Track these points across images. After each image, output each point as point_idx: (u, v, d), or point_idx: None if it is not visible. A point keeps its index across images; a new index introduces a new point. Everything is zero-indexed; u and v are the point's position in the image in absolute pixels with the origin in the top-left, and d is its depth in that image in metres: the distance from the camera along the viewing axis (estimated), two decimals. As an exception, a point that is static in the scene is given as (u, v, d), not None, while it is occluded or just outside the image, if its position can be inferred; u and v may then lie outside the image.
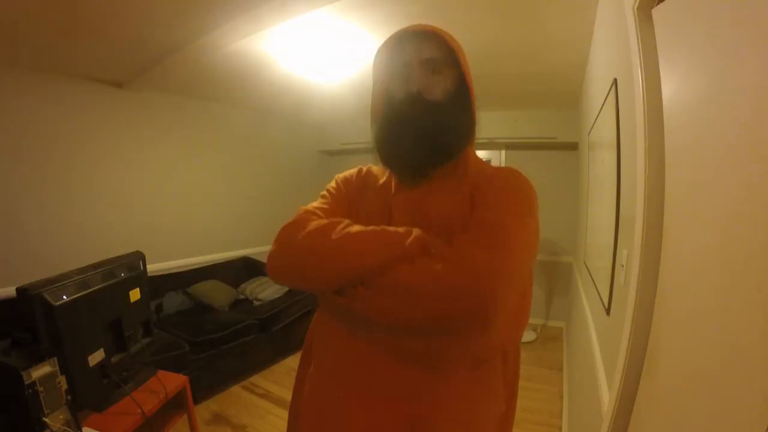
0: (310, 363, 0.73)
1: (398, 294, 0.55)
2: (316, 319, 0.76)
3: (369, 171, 0.80)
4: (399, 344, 0.61)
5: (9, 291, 1.71)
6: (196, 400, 2.27)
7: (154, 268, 2.79)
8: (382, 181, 0.75)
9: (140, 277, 1.40)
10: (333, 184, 0.79)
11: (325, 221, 0.64)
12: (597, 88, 1.71)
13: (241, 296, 3.20)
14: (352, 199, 0.75)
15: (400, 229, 0.60)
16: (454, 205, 0.65)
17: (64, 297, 1.09)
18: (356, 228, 0.61)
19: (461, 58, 0.66)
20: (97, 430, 1.12)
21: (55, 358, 1.03)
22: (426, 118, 0.64)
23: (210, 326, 2.55)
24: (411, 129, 0.64)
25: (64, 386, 1.05)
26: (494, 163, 3.84)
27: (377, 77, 0.72)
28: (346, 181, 0.79)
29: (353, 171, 0.81)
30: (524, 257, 0.58)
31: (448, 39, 0.65)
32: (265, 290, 3.19)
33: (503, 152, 3.83)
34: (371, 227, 0.61)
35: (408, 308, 0.54)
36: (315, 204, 0.73)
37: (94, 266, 1.27)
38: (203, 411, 2.31)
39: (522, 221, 0.59)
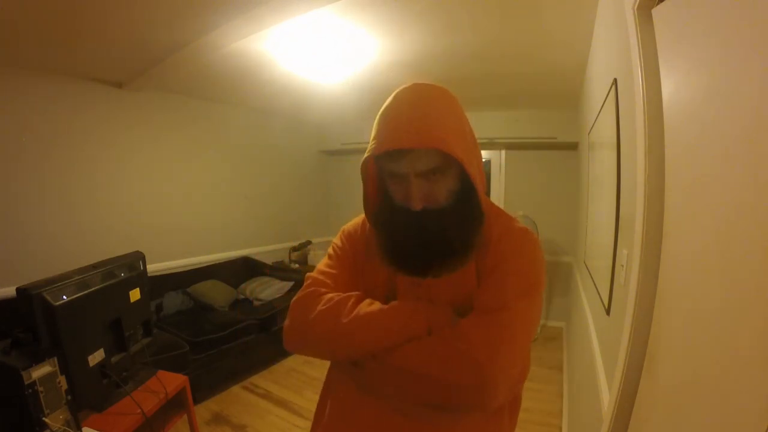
0: (327, 400, 0.75)
1: (402, 375, 0.59)
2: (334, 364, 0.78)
3: None
4: (408, 408, 0.64)
5: (9, 291, 1.71)
6: (196, 400, 2.27)
7: (154, 268, 2.79)
8: None
9: (140, 277, 1.40)
10: (338, 242, 0.77)
11: (334, 298, 0.66)
12: (597, 88, 1.71)
13: (241, 296, 3.20)
14: (358, 257, 0.75)
15: (408, 306, 0.63)
16: (459, 282, 0.65)
17: (64, 297, 1.09)
18: (365, 309, 0.63)
19: (458, 151, 0.57)
20: (97, 430, 1.12)
21: (55, 358, 1.03)
22: (432, 229, 0.62)
23: (210, 326, 2.55)
24: (418, 241, 0.63)
25: (64, 386, 1.05)
26: (494, 163, 3.85)
27: (375, 174, 0.69)
28: (351, 237, 0.77)
29: (358, 223, 0.79)
30: (527, 338, 0.62)
31: (438, 140, 0.56)
32: (265, 290, 3.19)
33: (503, 152, 3.82)
34: (378, 307, 0.64)
35: (410, 389, 0.60)
36: (322, 267, 0.74)
37: (94, 266, 1.27)
38: (203, 411, 2.31)
39: (527, 305, 0.61)
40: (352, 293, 0.67)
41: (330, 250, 0.78)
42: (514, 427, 0.74)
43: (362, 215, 0.77)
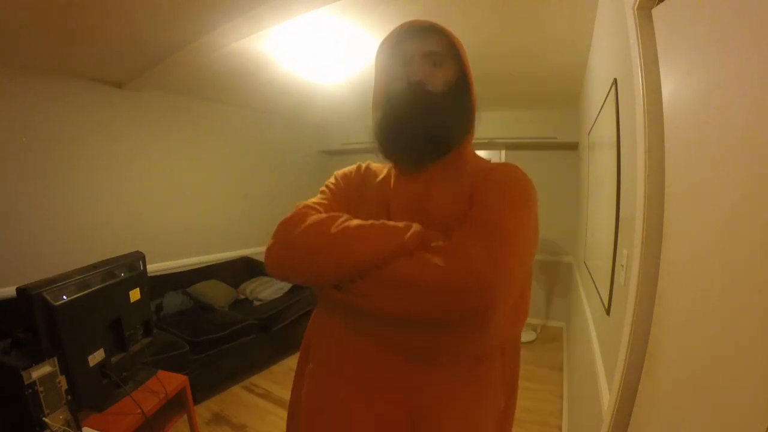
0: (308, 360, 0.73)
1: (396, 288, 0.55)
2: (315, 316, 0.76)
3: (368, 167, 0.81)
4: (398, 339, 0.61)
5: (9, 291, 1.71)
6: (196, 400, 2.27)
7: (154, 268, 2.79)
8: (381, 177, 0.75)
9: (140, 277, 1.40)
10: (332, 180, 0.79)
11: (323, 216, 0.64)
12: (597, 88, 1.71)
13: (241, 296, 3.20)
14: (351, 195, 0.75)
15: (399, 224, 0.60)
16: (452, 200, 0.65)
17: (64, 297, 1.09)
18: (355, 222, 0.62)
19: (463, 54, 0.67)
20: (97, 430, 1.12)
21: (55, 358, 1.03)
22: (426, 106, 0.64)
23: (210, 326, 2.55)
24: (411, 117, 0.65)
25: (64, 386, 1.05)
26: (494, 161, 3.84)
27: (379, 70, 0.73)
28: (345, 177, 0.79)
29: (352, 167, 0.81)
30: (523, 253, 0.58)
31: (450, 34, 0.66)
32: (265, 290, 3.19)
33: (503, 152, 3.82)
34: (370, 221, 0.62)
35: (406, 303, 0.55)
36: (314, 199, 0.73)
37: (94, 266, 1.27)
38: (203, 411, 2.31)
39: (520, 217, 0.60)
40: (343, 213, 0.66)
41: (322, 188, 0.78)
42: (515, 384, 0.72)
43: (357, 164, 0.82)
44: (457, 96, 0.67)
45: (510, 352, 0.70)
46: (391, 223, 0.61)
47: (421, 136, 0.65)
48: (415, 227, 0.59)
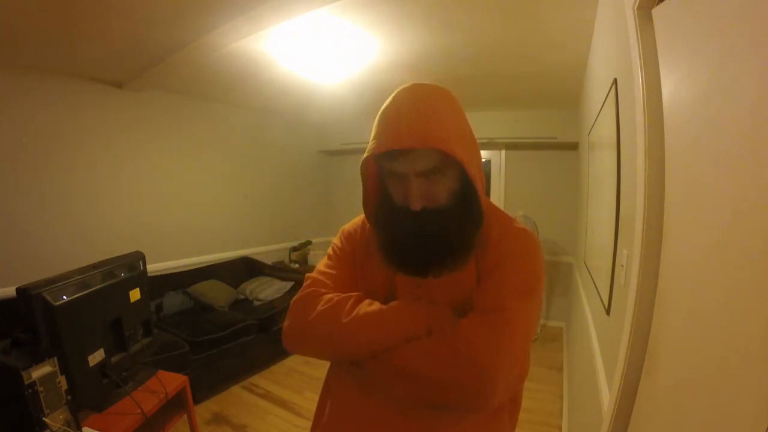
0: (327, 400, 0.74)
1: (402, 376, 0.59)
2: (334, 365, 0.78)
3: None
4: (407, 408, 0.64)
5: (9, 291, 1.71)
6: (196, 400, 2.27)
7: (154, 268, 2.79)
8: None
9: (140, 277, 1.40)
10: (338, 242, 0.78)
11: (334, 299, 0.66)
12: (597, 88, 1.71)
13: (241, 296, 3.20)
14: (357, 257, 0.75)
15: (408, 307, 0.63)
16: (458, 282, 0.65)
17: (64, 297, 1.09)
18: (364, 309, 0.64)
19: (458, 151, 0.57)
20: (97, 430, 1.12)
21: (55, 358, 1.03)
22: (432, 229, 0.61)
23: (210, 326, 2.55)
24: (417, 241, 0.63)
25: (64, 386, 1.05)
26: (494, 163, 3.85)
27: (371, 173, 0.70)
28: (350, 238, 0.77)
29: (358, 223, 0.79)
30: (526, 339, 0.61)
31: (442, 145, 0.56)
32: (265, 290, 3.19)
33: (503, 152, 3.82)
34: (378, 307, 0.64)
35: (410, 389, 0.60)
36: (322, 268, 0.74)
37: (94, 266, 1.27)
38: (203, 411, 2.31)
39: (528, 308, 0.61)
40: (352, 294, 0.67)
41: (329, 251, 0.78)
42: (515, 427, 0.74)
43: (362, 215, 0.77)
44: (463, 199, 0.63)
45: (517, 399, 0.73)
46: (398, 305, 0.64)
47: (428, 254, 0.63)
48: (422, 310, 0.62)
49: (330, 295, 0.67)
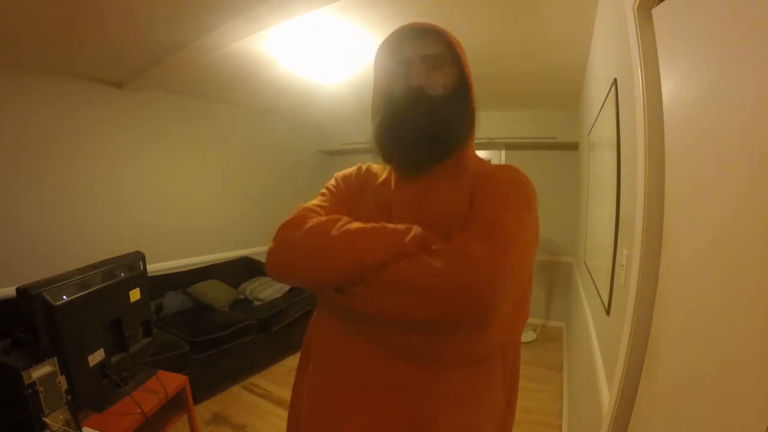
0: (309, 362, 0.73)
1: (397, 291, 0.55)
2: (316, 319, 0.76)
3: (369, 169, 0.80)
4: (398, 342, 0.61)
5: (9, 291, 1.71)
6: (196, 400, 2.27)
7: (154, 268, 2.79)
8: (381, 179, 0.75)
9: (140, 277, 1.40)
10: (332, 182, 0.79)
11: (324, 218, 0.65)
12: (597, 88, 1.71)
13: (241, 296, 3.20)
14: (351, 197, 0.75)
15: (400, 226, 0.60)
16: (453, 201, 0.65)
17: (64, 297, 1.09)
18: (356, 225, 0.61)
19: (462, 56, 0.66)
20: (97, 430, 1.12)
21: (55, 358, 1.03)
22: (426, 111, 0.64)
23: (210, 326, 2.55)
24: (411, 122, 0.64)
25: (64, 386, 1.05)
26: (494, 163, 3.84)
27: (378, 74, 0.73)
28: (346, 179, 0.79)
29: (353, 169, 0.81)
30: (523, 254, 0.58)
31: (449, 36, 0.66)
32: (265, 290, 3.19)
33: (503, 152, 3.83)
34: (371, 224, 0.62)
35: (407, 305, 0.55)
36: (314, 202, 0.73)
37: (94, 266, 1.27)
38: (203, 411, 2.31)
39: (521, 218, 0.60)
40: (343, 216, 0.66)
41: (322, 190, 0.78)
42: (513, 392, 0.72)
43: (357, 165, 0.81)
44: (458, 99, 0.67)
45: (510, 355, 0.70)
46: (391, 225, 0.61)
47: (422, 140, 0.64)
48: (416, 229, 0.59)
49: (320, 217, 0.66)
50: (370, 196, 0.73)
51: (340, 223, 0.62)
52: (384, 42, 0.70)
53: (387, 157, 0.70)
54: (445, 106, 0.65)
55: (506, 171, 0.68)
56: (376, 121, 0.70)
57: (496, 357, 0.66)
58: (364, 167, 0.81)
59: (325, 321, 0.72)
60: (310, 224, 0.63)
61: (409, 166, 0.68)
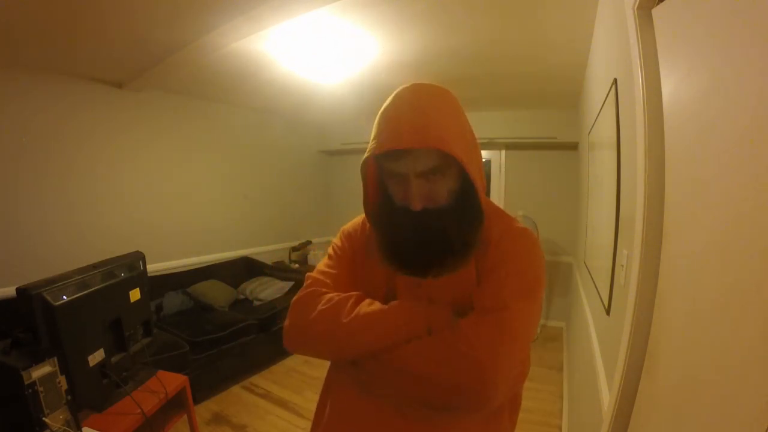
0: (327, 400, 0.74)
1: (401, 375, 0.59)
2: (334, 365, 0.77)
3: None
4: (408, 410, 0.63)
5: (9, 291, 1.71)
6: (196, 400, 2.27)
7: (154, 268, 2.79)
8: None
9: (140, 277, 1.40)
10: (338, 242, 0.78)
11: (334, 298, 0.66)
12: (597, 88, 1.71)
13: (241, 296, 3.20)
14: (357, 257, 0.75)
15: (408, 305, 0.64)
16: (459, 282, 0.65)
17: (64, 297, 1.09)
18: (364, 309, 0.63)
19: (458, 151, 0.57)
20: (97, 430, 1.12)
21: (55, 358, 1.03)
22: (432, 229, 0.62)
23: (210, 326, 2.55)
24: (418, 241, 0.63)
25: (64, 386, 1.05)
26: (494, 163, 3.85)
27: (371, 172, 0.70)
28: (350, 237, 0.77)
29: (358, 223, 0.79)
30: (527, 339, 0.62)
31: (442, 145, 0.56)
32: (265, 290, 3.19)
33: (503, 152, 3.82)
34: (378, 307, 0.64)
35: (409, 389, 0.59)
36: (322, 267, 0.74)
37: (94, 266, 1.27)
38: (203, 411, 2.31)
39: (529, 308, 0.61)
40: (352, 293, 0.67)
41: (330, 250, 0.78)
42: (515, 426, 0.74)
43: (362, 215, 0.77)
44: (464, 199, 0.63)
45: (517, 399, 0.73)
46: (399, 304, 0.64)
47: (429, 254, 0.63)
48: (422, 309, 0.62)
49: (330, 295, 0.67)
50: (375, 265, 0.70)
51: (349, 305, 0.64)
52: (380, 116, 0.62)
53: (392, 265, 0.66)
54: (453, 215, 0.62)
55: (516, 244, 0.65)
56: (381, 232, 0.68)
57: (504, 406, 0.69)
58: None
59: (342, 373, 0.73)
60: (320, 307, 0.65)
61: (416, 274, 0.66)
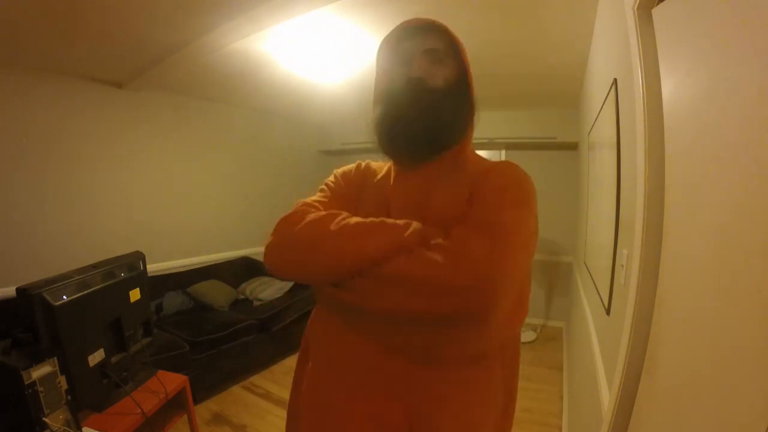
0: (308, 360, 0.73)
1: (395, 286, 0.55)
2: (315, 316, 0.76)
3: (368, 166, 0.81)
4: (397, 341, 0.61)
5: (9, 291, 1.71)
6: (196, 400, 2.27)
7: (154, 268, 2.79)
8: (380, 175, 0.76)
9: (140, 277, 1.40)
10: (332, 178, 0.79)
11: (323, 213, 0.65)
12: (597, 88, 1.71)
13: (241, 296, 3.20)
14: (350, 193, 0.75)
15: (399, 222, 0.61)
16: (452, 198, 0.65)
17: (64, 297, 1.09)
18: (354, 219, 0.62)
19: (463, 52, 0.67)
20: (97, 430, 1.12)
21: (55, 358, 1.03)
22: (426, 103, 0.64)
23: (210, 326, 2.55)
24: (411, 112, 0.64)
25: (64, 386, 1.05)
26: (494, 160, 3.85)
27: (380, 67, 0.73)
28: (345, 175, 0.79)
29: (352, 166, 0.81)
30: (522, 252, 0.58)
31: (450, 32, 0.67)
32: (265, 290, 3.19)
33: (503, 152, 3.83)
34: (370, 219, 0.62)
35: (404, 300, 0.55)
36: (314, 197, 0.74)
37: (94, 266, 1.27)
38: (203, 411, 2.31)
39: (519, 216, 0.60)
40: (343, 212, 0.66)
41: (322, 186, 0.78)
42: (514, 385, 0.71)
43: (356, 162, 0.81)
44: (457, 94, 0.67)
45: (510, 353, 0.70)
46: (390, 220, 0.61)
47: (421, 132, 0.65)
48: (415, 225, 0.60)
49: (319, 212, 0.66)
50: (370, 192, 0.74)
51: (339, 218, 0.62)
52: (386, 37, 0.70)
53: (386, 147, 0.70)
54: (445, 99, 0.65)
55: (505, 168, 0.68)
56: (376, 111, 0.70)
57: (495, 355, 0.66)
58: (363, 164, 0.81)
59: (323, 318, 0.72)
60: (308, 219, 0.63)
61: (408, 158, 0.69)
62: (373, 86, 0.74)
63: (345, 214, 0.64)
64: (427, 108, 0.64)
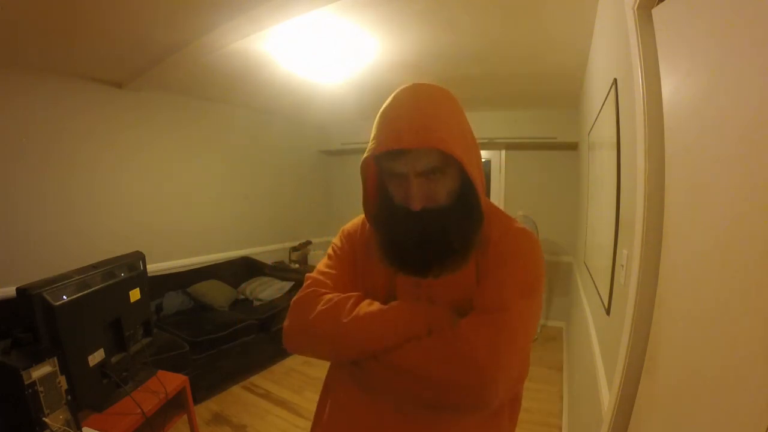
0: (327, 400, 0.74)
1: (401, 375, 0.59)
2: (334, 365, 0.77)
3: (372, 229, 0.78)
4: (408, 408, 0.63)
5: (9, 291, 1.71)
6: (196, 400, 2.27)
7: (154, 268, 2.79)
8: None
9: (140, 277, 1.40)
10: (338, 242, 0.78)
11: (334, 299, 0.66)
12: (597, 88, 1.71)
13: (241, 296, 3.20)
14: (357, 257, 0.75)
15: (407, 305, 0.64)
16: (458, 282, 0.65)
17: (64, 297, 1.09)
18: (364, 309, 0.63)
19: (458, 151, 0.57)
20: (97, 430, 1.12)
21: (55, 358, 1.03)
22: (431, 229, 0.61)
23: (210, 326, 2.55)
24: (417, 241, 0.62)
25: (64, 386, 1.05)
26: (494, 163, 3.85)
27: (372, 172, 0.70)
28: (351, 238, 0.77)
29: (358, 223, 0.78)
30: (526, 339, 0.61)
31: (442, 145, 0.56)
32: (265, 290, 3.19)
33: (503, 152, 3.82)
34: (378, 307, 0.64)
35: (408, 389, 0.59)
36: (322, 268, 0.74)
37: (94, 266, 1.27)
38: (203, 411, 2.31)
39: (529, 307, 0.61)
40: (352, 294, 0.67)
41: (329, 251, 0.78)
42: (515, 427, 0.74)
43: (362, 215, 0.76)
44: (463, 200, 0.63)
45: (517, 398, 0.73)
46: (399, 305, 0.64)
47: (431, 256, 0.63)
48: (422, 309, 0.62)
49: (330, 295, 0.67)
50: (375, 266, 0.70)
51: (349, 305, 0.64)
52: (380, 116, 0.62)
53: (393, 264, 0.66)
54: (451, 214, 0.62)
55: (515, 243, 0.65)
56: (381, 231, 0.68)
57: (504, 404, 0.68)
58: (368, 227, 0.77)
59: (342, 372, 0.73)
60: (320, 307, 0.65)
61: (416, 273, 0.66)
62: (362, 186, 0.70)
63: (354, 298, 0.66)
64: (433, 232, 0.62)
